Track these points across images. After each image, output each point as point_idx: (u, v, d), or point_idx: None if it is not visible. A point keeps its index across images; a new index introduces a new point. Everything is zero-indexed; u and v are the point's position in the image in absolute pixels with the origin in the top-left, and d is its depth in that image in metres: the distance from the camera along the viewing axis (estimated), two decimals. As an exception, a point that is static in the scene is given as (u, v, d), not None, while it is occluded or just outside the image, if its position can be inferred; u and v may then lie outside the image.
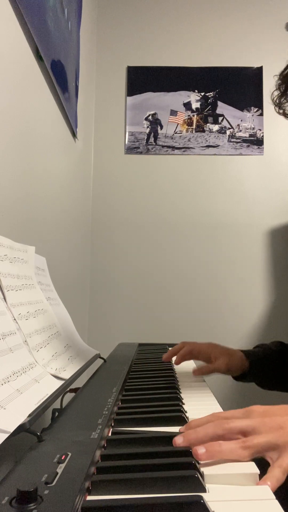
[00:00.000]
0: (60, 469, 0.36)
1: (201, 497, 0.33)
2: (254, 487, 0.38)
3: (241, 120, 2.06)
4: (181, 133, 2.07)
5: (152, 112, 2.07)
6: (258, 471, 0.40)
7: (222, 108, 2.07)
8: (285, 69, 0.83)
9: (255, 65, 2.06)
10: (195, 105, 2.08)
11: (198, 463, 0.41)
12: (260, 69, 2.05)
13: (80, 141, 1.69)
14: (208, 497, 0.34)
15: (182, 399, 0.65)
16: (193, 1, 2.11)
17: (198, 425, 0.48)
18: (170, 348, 1.00)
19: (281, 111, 0.87)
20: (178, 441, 0.45)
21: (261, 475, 0.40)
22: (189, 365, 0.98)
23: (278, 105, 0.86)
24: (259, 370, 0.94)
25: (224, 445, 0.43)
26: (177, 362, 0.91)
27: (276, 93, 0.86)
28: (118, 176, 2.05)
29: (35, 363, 0.58)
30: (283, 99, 0.85)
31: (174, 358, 0.94)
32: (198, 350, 0.92)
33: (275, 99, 0.86)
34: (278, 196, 2.02)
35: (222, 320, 1.96)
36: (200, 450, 0.43)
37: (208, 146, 2.05)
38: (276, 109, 0.87)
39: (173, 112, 2.08)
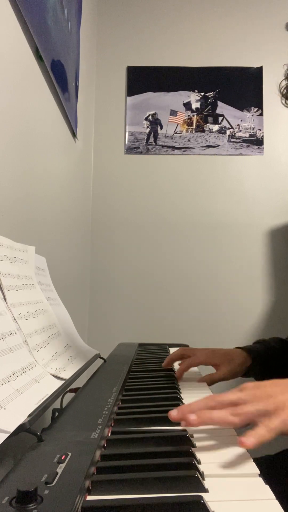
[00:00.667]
0: (60, 469, 0.36)
1: (201, 497, 0.33)
2: (254, 486, 0.38)
3: (241, 120, 2.06)
4: (181, 133, 2.07)
5: (152, 112, 2.07)
6: (258, 471, 0.40)
7: (222, 108, 2.07)
8: None
9: (255, 65, 2.06)
10: (195, 105, 2.08)
11: (199, 463, 0.41)
12: (260, 69, 2.05)
13: (80, 141, 1.69)
14: (208, 497, 0.34)
15: (182, 399, 0.65)
16: (193, 1, 2.11)
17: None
18: (170, 353, 0.98)
19: None
20: (173, 413, 0.47)
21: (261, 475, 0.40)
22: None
23: (286, 95, 0.85)
24: (261, 366, 0.93)
25: (215, 412, 0.46)
26: (179, 378, 0.89)
27: (284, 82, 0.85)
28: (118, 176, 2.05)
29: (35, 363, 0.58)
30: None
31: (176, 364, 0.93)
32: (198, 362, 0.91)
33: (283, 89, 0.85)
34: (278, 196, 2.02)
35: (222, 320, 1.96)
36: (192, 416, 0.45)
37: (208, 146, 2.05)
38: (283, 101, 0.86)
39: (173, 112, 2.08)
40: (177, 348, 0.96)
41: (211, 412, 0.46)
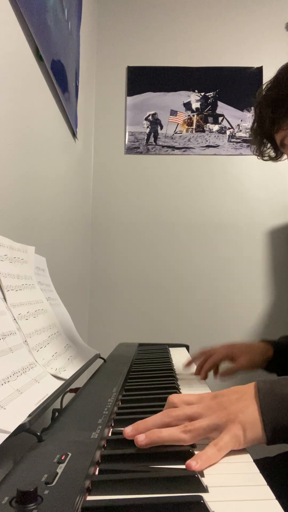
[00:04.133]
0: (60, 469, 0.36)
1: (201, 497, 0.33)
2: (254, 486, 0.38)
3: (241, 120, 2.06)
4: (181, 133, 2.07)
5: (152, 112, 2.07)
6: (258, 471, 0.40)
7: (222, 108, 2.07)
8: (252, 124, 0.86)
9: (255, 65, 2.06)
10: (195, 105, 2.08)
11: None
12: (260, 69, 2.05)
13: (80, 141, 1.69)
14: (208, 497, 0.34)
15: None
16: (193, 1, 2.11)
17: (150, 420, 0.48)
18: (190, 356, 0.97)
19: (265, 158, 0.89)
20: (127, 430, 0.46)
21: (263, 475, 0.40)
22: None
23: (261, 154, 0.88)
24: (284, 359, 0.92)
25: (164, 431, 0.45)
26: (203, 378, 0.89)
27: (254, 146, 0.88)
28: (118, 176, 2.05)
29: (35, 363, 0.58)
30: (262, 147, 0.87)
31: (178, 364, 0.93)
32: (220, 359, 0.91)
33: (255, 151, 0.89)
34: (278, 196, 2.01)
35: (223, 320, 1.96)
36: (140, 438, 0.44)
37: (208, 146, 2.05)
38: (259, 158, 0.89)
39: (173, 112, 2.08)
40: (178, 348, 0.97)
41: (160, 431, 0.45)
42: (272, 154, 0.88)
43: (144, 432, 0.45)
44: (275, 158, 0.88)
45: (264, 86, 0.81)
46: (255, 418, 0.45)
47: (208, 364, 0.88)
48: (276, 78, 0.79)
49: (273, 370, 0.93)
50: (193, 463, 0.40)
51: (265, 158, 0.89)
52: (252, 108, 2.05)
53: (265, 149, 0.87)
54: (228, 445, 0.44)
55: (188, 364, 0.92)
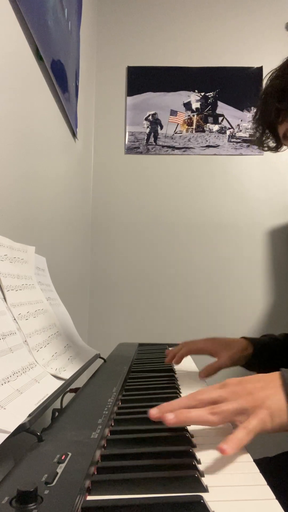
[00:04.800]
0: (60, 469, 0.36)
1: (201, 497, 0.33)
2: (254, 486, 0.38)
3: (241, 120, 2.06)
4: (181, 133, 2.07)
5: (152, 112, 2.07)
6: (258, 471, 0.40)
7: (222, 108, 2.07)
8: (256, 113, 0.85)
9: (255, 65, 2.06)
10: (195, 105, 2.08)
11: (199, 463, 0.41)
12: (260, 69, 2.05)
13: (80, 141, 1.69)
14: (208, 497, 0.34)
15: (182, 399, 0.65)
16: (193, 1, 2.11)
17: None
18: (170, 348, 0.99)
19: (265, 148, 0.88)
20: (153, 412, 0.47)
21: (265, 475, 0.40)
22: (189, 365, 0.98)
23: (261, 144, 0.88)
24: (263, 357, 0.92)
25: (193, 412, 0.46)
26: (177, 362, 0.90)
27: (256, 135, 0.88)
28: (118, 176, 2.05)
29: (35, 363, 0.58)
30: (264, 138, 0.87)
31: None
32: (196, 348, 0.91)
33: (257, 141, 0.88)
34: (278, 196, 2.01)
35: (223, 320, 1.96)
36: (169, 416, 0.45)
37: (208, 146, 2.05)
38: (261, 149, 0.89)
39: (173, 112, 2.08)
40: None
41: (189, 411, 0.46)
42: (272, 144, 0.87)
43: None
44: (274, 149, 0.87)
45: (270, 74, 0.80)
46: (282, 405, 0.47)
47: (184, 350, 0.88)
48: (282, 67, 0.78)
49: (252, 368, 0.93)
50: (225, 447, 0.41)
51: (265, 148, 0.88)
52: (252, 107, 2.06)
53: (265, 139, 0.87)
54: (256, 428, 0.45)
55: (169, 359, 0.91)
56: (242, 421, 0.46)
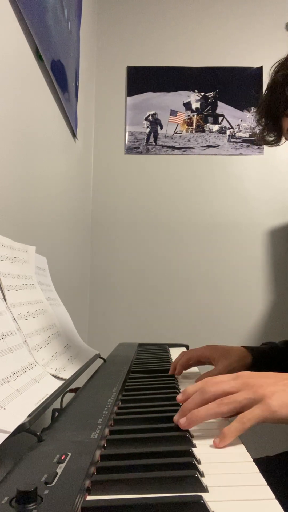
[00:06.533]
0: (60, 469, 0.36)
1: (201, 497, 0.33)
2: (254, 486, 0.38)
3: (241, 120, 2.06)
4: (181, 133, 2.07)
5: (152, 112, 2.07)
6: (258, 471, 0.40)
7: (222, 108, 2.07)
8: (260, 104, 0.83)
9: (255, 65, 2.06)
10: (195, 105, 2.08)
11: (199, 463, 0.41)
12: (260, 69, 2.05)
13: (80, 141, 1.69)
14: (208, 497, 0.34)
15: (182, 399, 0.65)
16: (193, 1, 2.11)
17: (192, 391, 0.53)
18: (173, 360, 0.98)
19: (269, 140, 0.86)
20: (182, 421, 0.49)
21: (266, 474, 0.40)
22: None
23: (263, 138, 0.85)
24: (262, 365, 0.92)
25: (202, 410, 0.48)
26: (178, 373, 0.89)
27: (258, 128, 0.86)
28: (118, 176, 2.05)
29: (35, 363, 0.58)
30: (265, 132, 0.84)
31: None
32: (196, 355, 0.91)
33: (258, 134, 0.86)
34: (278, 196, 2.01)
35: (222, 320, 1.96)
36: (182, 422, 0.48)
37: (208, 146, 2.05)
38: (260, 141, 0.87)
39: (173, 112, 2.08)
40: (178, 348, 0.96)
41: (198, 411, 0.48)
42: (270, 138, 0.85)
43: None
44: (273, 143, 0.85)
45: (275, 66, 0.79)
46: None
47: (184, 359, 0.88)
48: None
49: None
50: (218, 442, 0.45)
51: (268, 140, 0.86)
52: (252, 107, 2.06)
53: (268, 133, 0.85)
54: (256, 416, 0.46)
55: (172, 370, 0.90)
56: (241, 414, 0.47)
